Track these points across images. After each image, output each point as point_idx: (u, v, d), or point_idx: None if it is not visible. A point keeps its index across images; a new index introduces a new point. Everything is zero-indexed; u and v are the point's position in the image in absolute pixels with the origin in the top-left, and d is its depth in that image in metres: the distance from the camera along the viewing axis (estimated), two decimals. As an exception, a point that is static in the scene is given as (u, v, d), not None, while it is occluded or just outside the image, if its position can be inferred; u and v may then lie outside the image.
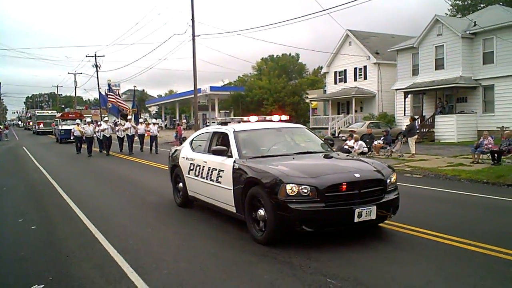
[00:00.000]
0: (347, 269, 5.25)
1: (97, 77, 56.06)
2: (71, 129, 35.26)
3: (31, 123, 70.64)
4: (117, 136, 24.79)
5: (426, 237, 6.60)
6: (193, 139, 9.23)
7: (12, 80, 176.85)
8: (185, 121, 47.24)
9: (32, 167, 18.44)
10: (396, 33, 40.78)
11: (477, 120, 26.61)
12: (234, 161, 7.00)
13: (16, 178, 15.15)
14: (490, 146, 15.96)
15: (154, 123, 26.43)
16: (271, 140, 7.95)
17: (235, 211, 6.98)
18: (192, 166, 8.43)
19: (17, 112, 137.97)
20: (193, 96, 34.93)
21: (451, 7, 46.54)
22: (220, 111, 58.22)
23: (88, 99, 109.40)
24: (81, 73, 67.89)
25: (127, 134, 24.53)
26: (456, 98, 26.87)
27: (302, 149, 7.84)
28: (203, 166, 7.94)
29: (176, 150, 9.61)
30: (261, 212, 6.23)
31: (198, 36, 32.43)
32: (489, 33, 25.61)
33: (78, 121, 28.33)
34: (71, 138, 28.27)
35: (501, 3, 39.79)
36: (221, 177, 7.28)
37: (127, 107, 30.39)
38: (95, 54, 55.19)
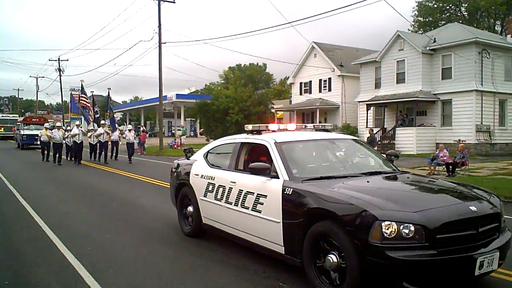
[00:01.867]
0: (299, 273, 5.35)
1: (60, 82, 55.12)
2: (34, 134, 33.23)
3: None
4: (89, 143, 22.88)
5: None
6: (208, 151, 7.29)
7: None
8: (143, 128, 46.22)
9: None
10: (362, 46, 41.79)
11: (436, 133, 27.51)
12: (283, 184, 5.19)
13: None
14: (445, 158, 16.59)
15: (130, 130, 24.80)
16: (324, 155, 6.34)
17: (283, 252, 5.19)
18: (210, 186, 6.52)
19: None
20: (158, 103, 34.74)
21: (413, 24, 48.05)
22: (186, 119, 58.02)
23: (50, 104, 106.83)
24: (43, 77, 66.22)
25: (99, 141, 22.63)
26: (416, 111, 27.73)
27: (368, 167, 6.16)
28: (230, 188, 6.06)
29: (181, 165, 7.71)
30: (333, 258, 4.51)
31: (165, 43, 32.43)
32: (447, 49, 26.62)
33: (47, 124, 26.12)
34: (38, 143, 26.15)
35: (460, 21, 41.43)
36: (261, 204, 5.42)
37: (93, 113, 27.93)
38: (59, 58, 54.37)
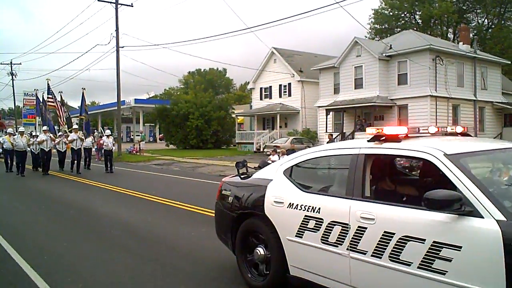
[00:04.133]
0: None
1: (13, 86, 53.31)
2: None
3: None
4: (58, 151, 20.72)
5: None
6: (295, 166, 4.99)
7: None
8: (97, 133, 44.48)
9: None
10: (320, 52, 42.42)
11: (393, 137, 28.09)
12: (504, 228, 3.16)
13: None
14: (402, 162, 16.95)
15: (108, 135, 21.80)
16: None
17: None
18: (311, 222, 4.39)
19: None
20: (116, 108, 34.06)
21: (370, 31, 49.19)
22: (145, 124, 57.20)
23: (2, 109, 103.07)
24: (-6, 81, 63.85)
25: (72, 148, 20.40)
26: (374, 116, 28.32)
27: None
28: (361, 228, 3.98)
29: (240, 186, 5.46)
30: None
31: (123, 47, 31.84)
32: (403, 56, 27.34)
33: (10, 130, 23.51)
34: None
35: (414, 29, 42.73)
36: (445, 260, 3.40)
37: (64, 115, 25.49)
38: (11, 62, 52.58)
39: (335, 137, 27.91)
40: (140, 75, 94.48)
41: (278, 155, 18.44)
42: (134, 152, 35.14)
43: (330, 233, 4.20)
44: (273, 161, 18.15)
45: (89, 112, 27.54)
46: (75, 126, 22.35)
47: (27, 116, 49.68)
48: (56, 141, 20.34)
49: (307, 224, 4.43)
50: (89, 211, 10.46)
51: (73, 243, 7.37)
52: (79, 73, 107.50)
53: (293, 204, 4.61)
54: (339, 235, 4.12)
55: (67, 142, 20.52)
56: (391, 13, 49.57)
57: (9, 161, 20.45)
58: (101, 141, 21.71)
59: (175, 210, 10.42)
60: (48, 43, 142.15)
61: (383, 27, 50.08)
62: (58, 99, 25.19)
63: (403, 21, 49.93)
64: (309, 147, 21.59)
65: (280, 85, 37.86)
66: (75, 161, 20.07)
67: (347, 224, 4.06)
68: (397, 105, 28.12)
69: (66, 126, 23.77)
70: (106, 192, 13.95)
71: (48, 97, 25.40)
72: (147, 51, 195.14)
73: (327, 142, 21.72)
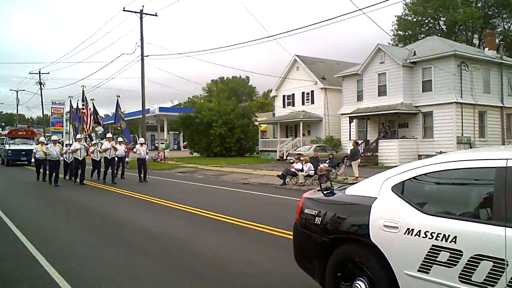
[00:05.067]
0: None
1: (41, 95, 54.56)
2: (21, 149, 31.00)
3: None
4: (92, 159, 20.14)
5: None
6: (405, 182, 4.00)
7: None
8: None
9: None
10: (343, 59, 42.28)
11: (418, 145, 27.84)
12: None
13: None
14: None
15: (142, 143, 21.30)
16: None
17: None
18: (443, 253, 3.48)
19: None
20: (141, 116, 34.57)
21: (393, 37, 48.83)
22: (169, 132, 57.83)
23: (31, 117, 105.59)
24: (24, 90, 65.46)
25: (105, 157, 19.82)
26: (398, 123, 28.07)
27: None
28: None
29: (330, 203, 4.59)
30: None
31: (147, 56, 32.41)
32: (427, 62, 27.08)
33: (42, 139, 22.83)
34: (24, 159, 22.29)
35: (438, 35, 42.25)
36: None
37: (92, 123, 24.55)
38: (39, 71, 53.85)
39: (359, 144, 27.76)
40: (164, 84, 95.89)
41: (301, 163, 18.46)
42: (158, 160, 35.54)
43: (474, 270, 3.27)
44: (296, 169, 18.31)
45: (112, 121, 27.10)
46: (108, 135, 21.80)
47: (55, 124, 50.77)
48: (90, 150, 19.97)
49: (436, 257, 3.50)
50: (114, 218, 10.68)
51: (98, 249, 7.52)
52: (104, 82, 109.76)
53: (412, 230, 3.67)
54: (489, 273, 3.19)
55: (101, 150, 19.95)
56: (414, 19, 49.12)
57: (41, 170, 20.17)
58: (134, 150, 20.92)
59: (199, 217, 10.52)
60: (75, 53, 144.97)
61: (407, 33, 49.64)
62: (90, 106, 25.03)
63: (427, 27, 49.43)
64: (333, 155, 21.61)
65: (303, 93, 37.84)
66: (108, 170, 19.68)
67: (503, 260, 3.13)
68: (422, 112, 27.82)
69: (90, 134, 23.40)
70: (131, 199, 14.18)
71: (82, 104, 24.81)
72: (171, 60, 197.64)
73: (351, 150, 21.62)
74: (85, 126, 23.40)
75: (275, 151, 36.58)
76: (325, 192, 4.71)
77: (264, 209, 12.18)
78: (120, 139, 22.08)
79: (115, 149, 20.05)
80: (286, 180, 17.98)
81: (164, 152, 37.13)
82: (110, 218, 10.66)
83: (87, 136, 22.82)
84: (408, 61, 27.91)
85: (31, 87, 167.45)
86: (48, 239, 8.30)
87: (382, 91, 29.14)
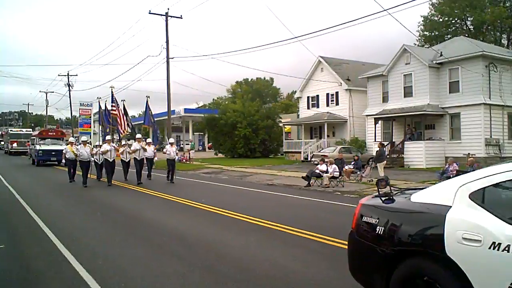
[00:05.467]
0: None
1: (70, 96, 55.73)
2: (51, 150, 31.19)
3: (2, 142, 64.60)
4: (122, 160, 20.07)
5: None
6: (486, 189, 3.54)
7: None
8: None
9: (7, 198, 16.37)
10: (367, 60, 41.95)
11: (445, 146, 27.43)
12: None
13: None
14: (455, 172, 16.55)
15: (171, 144, 21.13)
16: None
17: None
18: None
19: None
20: (167, 117, 34.97)
21: (419, 38, 48.18)
22: (194, 133, 58.33)
23: (60, 118, 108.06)
24: (53, 92, 66.81)
25: (134, 158, 19.74)
26: (424, 125, 27.71)
27: None
28: None
29: (399, 213, 4.11)
30: None
31: (172, 58, 32.70)
32: (454, 63, 26.67)
33: (72, 139, 22.86)
34: (63, 161, 21.70)
35: (466, 35, 41.54)
36: None
37: (128, 124, 24.76)
38: (68, 73, 55.02)
39: (385, 146, 27.52)
40: (189, 85, 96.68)
41: (326, 165, 18.41)
42: (183, 160, 35.89)
43: None
44: (321, 171, 18.25)
45: (138, 122, 27.18)
46: (138, 136, 21.42)
47: (83, 125, 51.73)
48: (120, 151, 19.92)
49: None
50: (140, 217, 10.88)
51: (125, 248, 7.67)
52: (131, 84, 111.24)
53: (499, 244, 3.20)
54: None
55: (130, 151, 19.87)
56: (441, 20, 48.36)
57: (72, 170, 19.86)
58: (164, 150, 20.80)
59: (224, 218, 10.63)
60: (102, 55, 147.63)
61: (433, 34, 48.89)
62: (121, 107, 25.05)
63: (453, 28, 48.59)
64: (358, 157, 21.50)
65: (328, 94, 37.69)
66: (139, 171, 19.36)
67: None
68: (449, 114, 27.41)
69: (127, 134, 23.57)
70: (158, 199, 14.39)
71: (111, 105, 24.90)
72: (196, 62, 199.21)
73: (376, 152, 21.46)
74: (120, 128, 23.34)
75: (300, 152, 36.52)
76: (383, 199, 4.26)
77: (289, 211, 12.23)
78: (149, 140, 22.25)
79: (144, 150, 19.96)
80: (311, 181, 17.97)
81: (189, 153, 37.50)
82: (136, 218, 10.87)
83: (119, 138, 22.85)
84: (434, 62, 27.53)
85: (60, 89, 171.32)
86: (77, 238, 8.51)
87: (408, 92, 28.82)
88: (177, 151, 21.37)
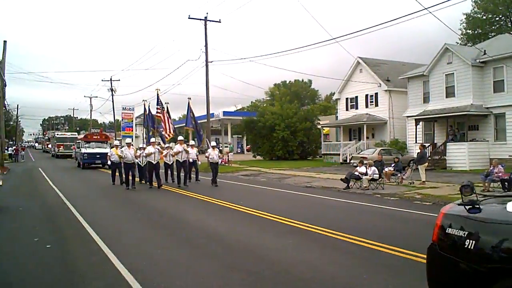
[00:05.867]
0: None
1: (113, 101, 57.28)
2: (96, 153, 32.17)
3: (49, 146, 66.86)
4: (165, 163, 20.26)
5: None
6: None
7: (28, 102, 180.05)
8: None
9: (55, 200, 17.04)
10: (408, 60, 41.22)
11: (489, 148, 26.61)
12: None
13: (32, 200, 15.52)
14: (500, 174, 16.01)
15: (214, 147, 20.94)
16: None
17: None
18: None
19: (33, 134, 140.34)
20: (206, 120, 35.46)
21: (462, 36, 46.94)
22: (233, 136, 58.79)
23: (103, 122, 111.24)
24: (97, 97, 68.98)
25: (177, 161, 19.64)
26: (467, 125, 26.96)
27: None
28: None
29: (493, 224, 3.42)
30: None
31: (211, 62, 33.22)
32: (499, 62, 25.85)
33: (116, 142, 23.25)
34: (107, 163, 22.33)
35: (510, 32, 40.15)
36: None
37: (171, 127, 24.92)
38: (111, 79, 56.67)
39: (426, 147, 26.97)
40: (228, 88, 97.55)
41: (365, 167, 18.24)
42: (222, 163, 36.20)
43: None
44: (360, 173, 18.14)
45: (179, 125, 27.47)
46: (180, 138, 21.68)
47: (125, 128, 52.98)
48: (163, 153, 20.05)
49: None
50: (180, 219, 11.11)
51: (165, 249, 7.83)
52: (171, 88, 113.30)
53: None
54: None
55: (173, 154, 19.85)
56: (484, 17, 46.97)
57: (116, 174, 20.36)
58: (206, 154, 20.73)
59: (262, 220, 10.70)
60: (144, 60, 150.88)
61: (476, 32, 47.53)
62: (166, 110, 25.37)
63: (497, 25, 47.05)
64: (398, 158, 21.16)
65: (367, 95, 37.24)
66: (181, 174, 19.47)
67: None
68: (493, 114, 26.58)
69: (172, 137, 23.58)
70: (197, 201, 14.64)
71: (156, 108, 25.29)
72: (234, 65, 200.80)
73: (418, 153, 21.07)
74: (165, 132, 23.57)
75: (338, 154, 36.23)
76: (469, 208, 3.66)
77: (327, 213, 12.20)
78: (192, 142, 22.57)
79: (187, 152, 19.81)
80: (350, 183, 17.84)
81: (228, 155, 37.83)
82: (177, 219, 11.11)
83: (161, 140, 22.91)
84: (477, 60, 26.77)
85: (103, 94, 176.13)
86: (119, 239, 8.76)
87: (450, 92, 28.14)
88: (220, 154, 21.13)
